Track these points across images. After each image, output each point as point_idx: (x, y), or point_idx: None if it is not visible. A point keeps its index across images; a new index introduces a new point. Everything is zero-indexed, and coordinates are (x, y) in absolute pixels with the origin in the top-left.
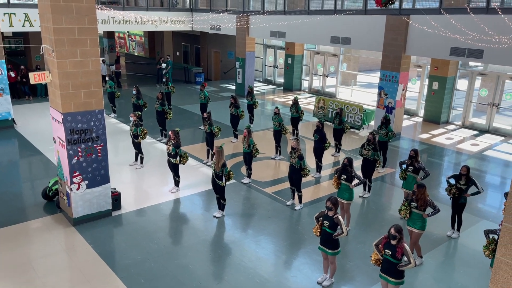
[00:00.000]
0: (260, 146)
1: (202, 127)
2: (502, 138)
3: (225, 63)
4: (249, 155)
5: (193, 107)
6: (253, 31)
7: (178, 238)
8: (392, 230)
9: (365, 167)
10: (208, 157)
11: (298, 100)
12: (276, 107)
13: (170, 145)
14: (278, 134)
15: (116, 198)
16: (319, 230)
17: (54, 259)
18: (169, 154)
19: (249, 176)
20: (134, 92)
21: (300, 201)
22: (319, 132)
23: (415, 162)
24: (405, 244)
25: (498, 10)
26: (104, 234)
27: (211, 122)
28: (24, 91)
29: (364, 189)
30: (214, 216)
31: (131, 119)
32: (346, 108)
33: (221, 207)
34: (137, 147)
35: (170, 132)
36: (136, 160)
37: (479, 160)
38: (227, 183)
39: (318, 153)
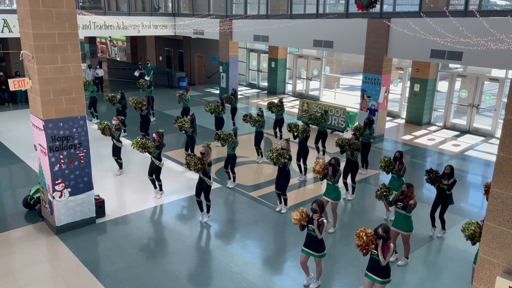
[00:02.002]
0: (245, 150)
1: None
2: (483, 138)
3: (208, 67)
4: (233, 158)
5: (176, 111)
6: (236, 35)
7: (163, 244)
8: (380, 230)
9: (349, 169)
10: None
11: (283, 101)
12: (260, 109)
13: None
14: (260, 136)
15: (100, 205)
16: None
17: (36, 269)
18: (153, 156)
19: (233, 179)
20: (118, 96)
21: (285, 204)
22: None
23: (399, 164)
24: (392, 245)
25: (476, 13)
26: (88, 242)
27: (194, 125)
28: (3, 98)
29: (347, 190)
30: (205, 222)
31: (114, 122)
32: (330, 110)
33: (207, 209)
34: (117, 152)
35: (154, 134)
36: (121, 168)
37: (461, 160)
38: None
39: (304, 154)
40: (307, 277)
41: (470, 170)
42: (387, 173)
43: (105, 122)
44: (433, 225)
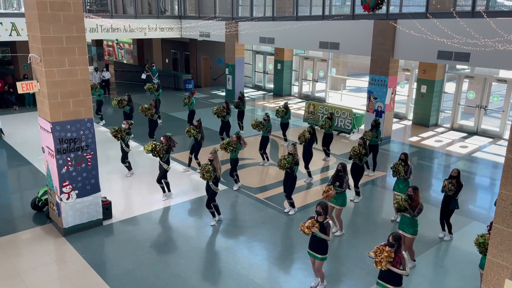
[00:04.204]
0: (251, 152)
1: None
2: (491, 139)
3: (214, 69)
4: (235, 161)
5: (182, 114)
6: (242, 37)
7: (170, 246)
8: (391, 238)
9: (354, 172)
10: (189, 164)
11: (289, 105)
12: (266, 114)
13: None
14: (266, 141)
15: (107, 207)
16: (308, 229)
17: (44, 271)
18: (160, 159)
19: (235, 181)
20: (126, 99)
21: (293, 206)
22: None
23: (405, 166)
24: (404, 253)
25: (483, 13)
26: (95, 244)
27: (201, 130)
28: (11, 101)
29: (357, 194)
30: (212, 225)
31: (124, 126)
32: (336, 112)
33: (212, 214)
34: (124, 155)
35: (162, 138)
36: (130, 169)
37: (469, 162)
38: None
39: (307, 158)
40: (316, 278)
41: (478, 172)
42: (394, 175)
43: (116, 127)
44: (443, 229)
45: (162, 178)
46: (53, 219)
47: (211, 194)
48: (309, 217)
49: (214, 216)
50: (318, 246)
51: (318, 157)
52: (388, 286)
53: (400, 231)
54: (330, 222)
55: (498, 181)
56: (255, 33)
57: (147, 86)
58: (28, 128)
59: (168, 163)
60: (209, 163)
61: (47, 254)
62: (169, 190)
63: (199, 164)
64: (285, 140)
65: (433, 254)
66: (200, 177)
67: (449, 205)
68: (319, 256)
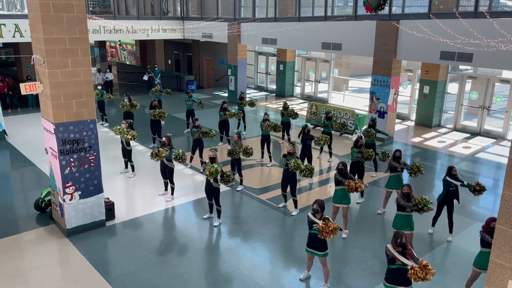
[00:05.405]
0: (254, 152)
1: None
2: (494, 140)
3: (217, 70)
4: (237, 161)
5: (185, 115)
6: (245, 38)
7: (172, 247)
8: (403, 239)
9: (355, 169)
10: (190, 162)
11: (289, 105)
12: (266, 113)
13: (166, 150)
14: (265, 139)
15: (109, 208)
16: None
17: (47, 271)
18: (166, 159)
19: (241, 182)
20: (125, 100)
21: (296, 206)
22: (306, 135)
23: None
24: (411, 248)
25: (486, 14)
26: (98, 244)
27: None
28: (12, 103)
29: (361, 195)
30: (215, 226)
31: (123, 126)
32: (338, 113)
33: (218, 214)
34: (128, 155)
35: (164, 138)
36: (126, 167)
37: (472, 162)
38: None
39: (308, 156)
40: (306, 272)
41: (481, 172)
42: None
43: (132, 132)
44: (433, 224)
45: (170, 181)
46: (56, 220)
47: (215, 191)
48: (323, 219)
49: (219, 216)
50: (318, 243)
51: (322, 158)
52: None
53: (396, 230)
54: (327, 217)
55: (501, 182)
56: (257, 34)
57: (166, 90)
58: (31, 129)
59: (171, 161)
60: (213, 162)
61: (50, 254)
62: (166, 190)
63: (205, 163)
64: (288, 140)
65: (435, 255)
66: (206, 174)
67: (452, 202)
68: (320, 252)
